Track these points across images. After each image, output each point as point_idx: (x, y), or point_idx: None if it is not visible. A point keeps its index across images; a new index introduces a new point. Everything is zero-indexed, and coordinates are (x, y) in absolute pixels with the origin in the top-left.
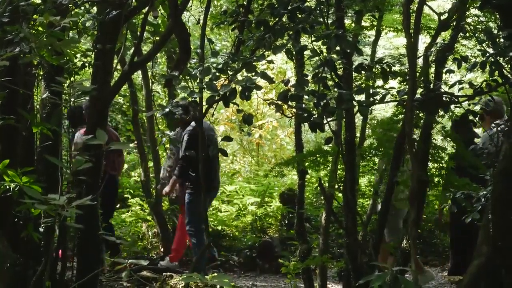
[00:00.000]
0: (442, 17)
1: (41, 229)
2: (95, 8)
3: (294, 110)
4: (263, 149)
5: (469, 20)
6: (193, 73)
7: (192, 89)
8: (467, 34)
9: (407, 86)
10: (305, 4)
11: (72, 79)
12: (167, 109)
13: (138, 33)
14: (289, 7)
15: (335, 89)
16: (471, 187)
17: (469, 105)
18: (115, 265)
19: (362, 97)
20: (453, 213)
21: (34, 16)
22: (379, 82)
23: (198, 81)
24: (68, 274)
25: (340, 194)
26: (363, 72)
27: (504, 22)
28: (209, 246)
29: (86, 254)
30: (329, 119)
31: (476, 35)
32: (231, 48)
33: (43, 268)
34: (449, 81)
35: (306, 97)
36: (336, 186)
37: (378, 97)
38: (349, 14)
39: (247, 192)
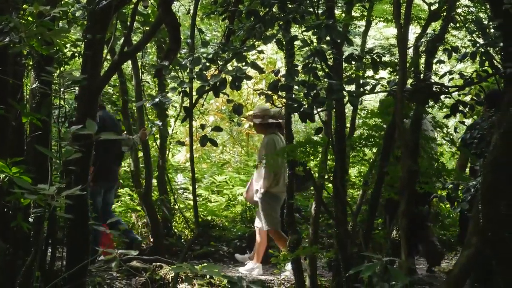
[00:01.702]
0: (433, 7)
1: (30, 219)
2: None
3: (284, 100)
4: (252, 139)
5: (459, 10)
6: (183, 63)
7: (182, 79)
8: (458, 25)
9: (397, 77)
10: None
11: (62, 69)
12: (157, 99)
13: (128, 23)
14: None
15: (325, 79)
16: (461, 177)
17: (459, 95)
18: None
19: (352, 87)
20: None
21: (24, 6)
22: (369, 73)
23: (188, 71)
24: (57, 264)
25: (330, 185)
26: (353, 62)
27: (494, 12)
28: (199, 236)
29: (76, 244)
30: (319, 109)
31: (467, 25)
32: (221, 38)
33: (33, 258)
34: (440, 71)
35: (296, 87)
36: (326, 177)
37: (368, 87)
38: (339, 4)
39: (236, 182)
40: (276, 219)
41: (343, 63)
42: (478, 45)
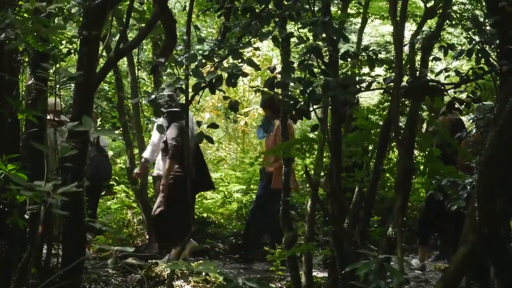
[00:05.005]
0: (428, 5)
1: (26, 216)
2: None
3: (280, 97)
4: (248, 136)
5: (455, 7)
6: (179, 59)
7: (178, 75)
8: (454, 22)
9: (393, 74)
10: None
11: (57, 65)
12: (152, 96)
13: (124, 20)
14: None
15: (321, 77)
16: (457, 174)
17: (455, 93)
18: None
19: None
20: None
21: (20, 2)
22: (365, 70)
23: (184, 68)
24: (53, 261)
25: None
26: (349, 59)
27: (490, 9)
28: (195, 233)
29: (71, 241)
30: (315, 107)
31: (463, 22)
32: (217, 35)
33: (28, 255)
34: (435, 68)
35: (292, 84)
36: (322, 174)
37: (364, 85)
38: (335, 1)
39: (232, 179)
40: None
41: (339, 60)
42: (474, 42)
